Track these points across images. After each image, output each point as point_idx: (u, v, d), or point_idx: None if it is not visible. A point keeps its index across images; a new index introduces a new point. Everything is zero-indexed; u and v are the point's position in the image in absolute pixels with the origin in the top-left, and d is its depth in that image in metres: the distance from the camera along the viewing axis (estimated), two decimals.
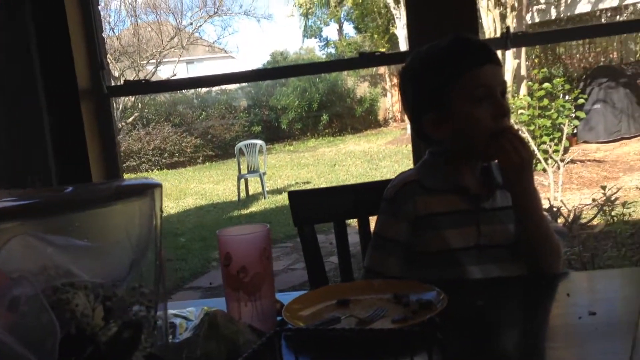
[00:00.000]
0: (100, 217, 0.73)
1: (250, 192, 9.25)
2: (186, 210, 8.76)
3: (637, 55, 11.75)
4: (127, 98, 13.29)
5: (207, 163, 13.90)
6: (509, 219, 1.36)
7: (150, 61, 15.03)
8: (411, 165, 1.67)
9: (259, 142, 9.19)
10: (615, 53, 12.53)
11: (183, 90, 15.54)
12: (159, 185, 0.74)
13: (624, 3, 10.63)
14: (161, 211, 0.73)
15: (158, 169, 13.48)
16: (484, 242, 1.35)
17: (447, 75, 1.34)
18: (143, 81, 2.29)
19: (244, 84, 16.71)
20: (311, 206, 1.57)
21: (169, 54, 15.56)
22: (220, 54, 20.48)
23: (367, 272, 1.42)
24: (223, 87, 16.28)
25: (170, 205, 9.03)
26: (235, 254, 1.09)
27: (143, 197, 0.72)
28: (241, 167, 9.03)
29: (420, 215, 1.37)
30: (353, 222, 1.61)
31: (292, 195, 1.56)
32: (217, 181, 11.15)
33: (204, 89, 16.00)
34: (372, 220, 1.51)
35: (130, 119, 13.88)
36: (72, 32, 2.15)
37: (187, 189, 10.56)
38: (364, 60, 2.21)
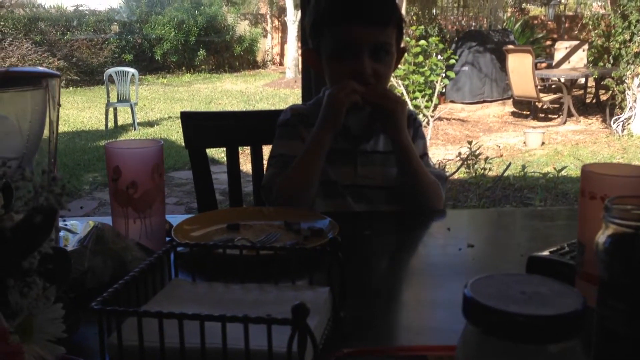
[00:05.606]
0: None
1: (120, 123, 8.78)
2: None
3: (504, 24, 12.51)
4: None
5: (71, 88, 12.94)
6: (390, 163, 1.39)
7: None
8: None
9: (132, 70, 8.67)
10: (485, 20, 13.25)
11: (45, 5, 14.18)
12: (56, 76, 0.66)
13: None
14: (59, 104, 0.65)
15: None
16: (360, 182, 1.38)
17: (318, 24, 1.35)
18: None
19: (114, 6, 15.58)
20: (204, 129, 1.50)
21: None
22: None
23: (264, 189, 1.38)
24: (92, 7, 15.07)
25: None
26: (125, 168, 1.02)
27: (37, 86, 0.64)
28: (110, 95, 8.49)
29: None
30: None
31: (185, 115, 1.48)
32: (82, 108, 10.45)
33: (70, 6, 14.74)
34: (266, 150, 1.49)
35: None
36: None
37: None
38: None
